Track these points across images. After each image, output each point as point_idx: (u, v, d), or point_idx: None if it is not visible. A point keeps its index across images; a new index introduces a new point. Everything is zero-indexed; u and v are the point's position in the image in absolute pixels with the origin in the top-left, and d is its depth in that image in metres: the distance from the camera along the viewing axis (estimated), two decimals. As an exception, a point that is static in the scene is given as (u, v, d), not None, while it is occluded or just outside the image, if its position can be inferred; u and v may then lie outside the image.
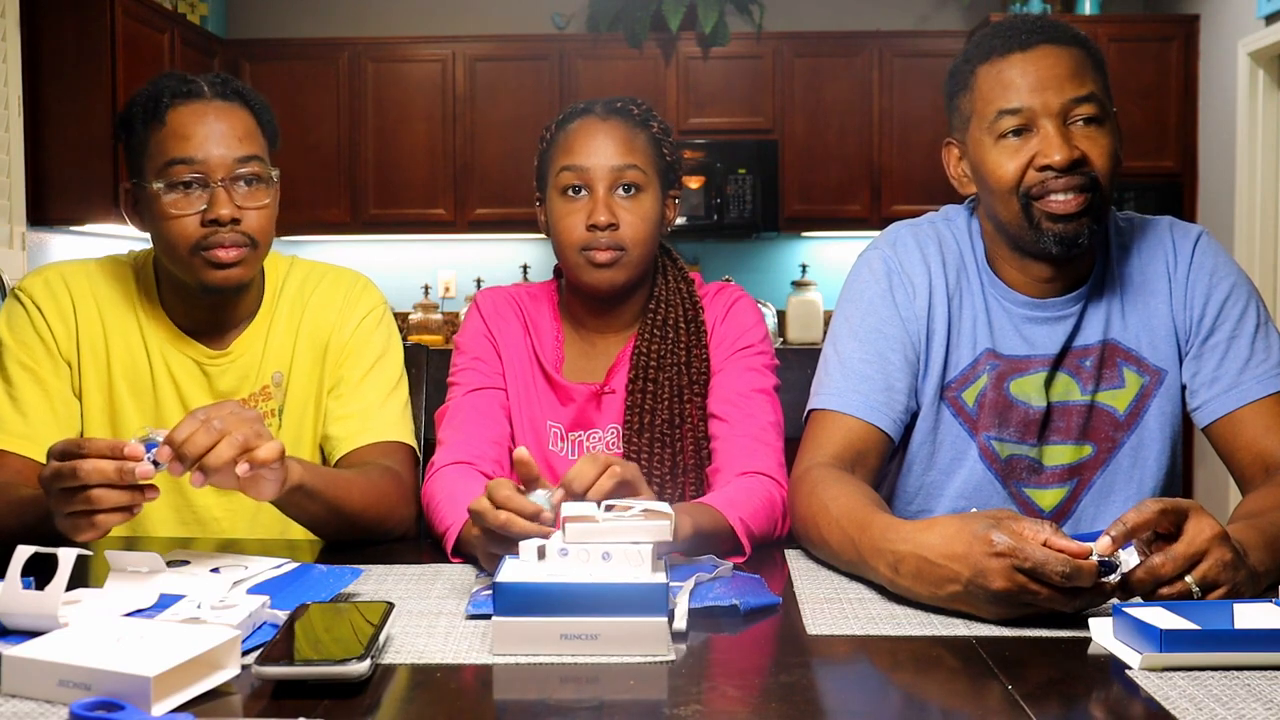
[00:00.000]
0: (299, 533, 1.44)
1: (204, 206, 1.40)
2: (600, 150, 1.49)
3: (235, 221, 1.41)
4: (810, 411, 1.44)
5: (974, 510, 1.11)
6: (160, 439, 1.12)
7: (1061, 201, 1.32)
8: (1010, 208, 1.35)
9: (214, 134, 1.41)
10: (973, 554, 1.01)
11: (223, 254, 1.41)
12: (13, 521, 1.28)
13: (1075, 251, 1.36)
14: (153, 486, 1.15)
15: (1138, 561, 1.02)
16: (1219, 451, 1.39)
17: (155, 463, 1.11)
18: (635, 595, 0.93)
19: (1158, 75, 4.80)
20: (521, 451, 1.14)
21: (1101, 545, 1.00)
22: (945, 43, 5.13)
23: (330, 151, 5.17)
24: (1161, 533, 1.03)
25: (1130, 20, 5.05)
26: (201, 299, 1.49)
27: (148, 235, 1.47)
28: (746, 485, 1.38)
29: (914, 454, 1.47)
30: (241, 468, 1.12)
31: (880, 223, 4.96)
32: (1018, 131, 1.33)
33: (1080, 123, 1.32)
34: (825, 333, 4.74)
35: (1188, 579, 1.01)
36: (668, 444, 1.50)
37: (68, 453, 1.12)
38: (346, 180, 5.21)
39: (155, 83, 1.45)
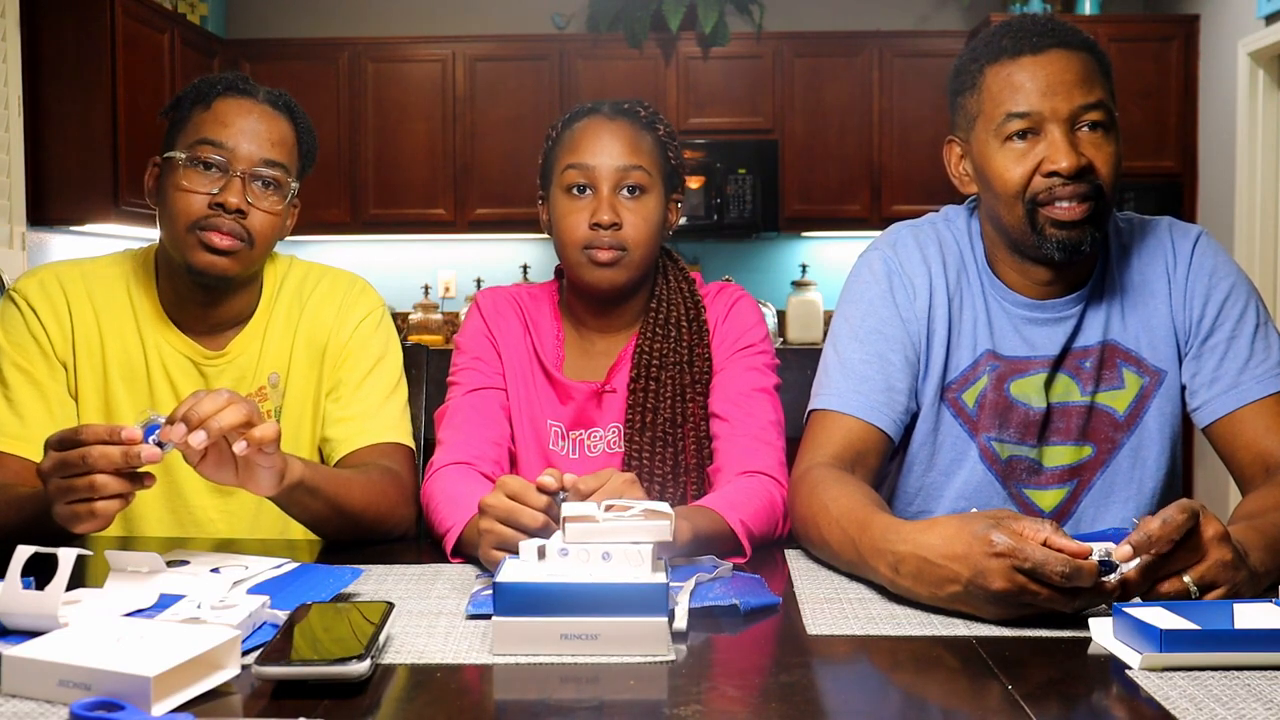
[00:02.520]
0: (299, 533, 1.44)
1: (216, 190, 1.42)
2: (606, 150, 1.49)
3: (241, 214, 1.42)
4: (811, 412, 1.44)
5: (974, 510, 1.11)
6: (161, 421, 1.12)
7: (1066, 209, 1.31)
8: (1014, 212, 1.35)
9: (250, 130, 1.45)
10: (972, 554, 1.01)
11: (217, 239, 1.42)
12: (12, 517, 1.29)
13: (1077, 258, 1.36)
14: (150, 474, 1.15)
15: (1137, 562, 1.02)
16: (1219, 452, 1.39)
17: (160, 444, 1.11)
18: (635, 595, 0.93)
19: (1158, 75, 4.80)
20: (547, 480, 1.15)
21: (1121, 552, 0.99)
22: (945, 43, 5.13)
23: (330, 151, 5.17)
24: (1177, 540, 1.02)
25: (1130, 20, 5.05)
26: (197, 294, 1.49)
27: (149, 237, 1.47)
28: (746, 486, 1.38)
29: (914, 455, 1.47)
30: (240, 445, 1.12)
31: (880, 223, 4.96)
32: (1023, 135, 1.33)
33: (1086, 128, 1.32)
34: (825, 333, 4.74)
35: (1185, 578, 1.01)
36: (669, 443, 1.50)
37: (67, 441, 1.12)
38: (346, 180, 5.21)
39: (217, 75, 1.50)
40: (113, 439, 1.10)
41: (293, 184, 1.49)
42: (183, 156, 1.43)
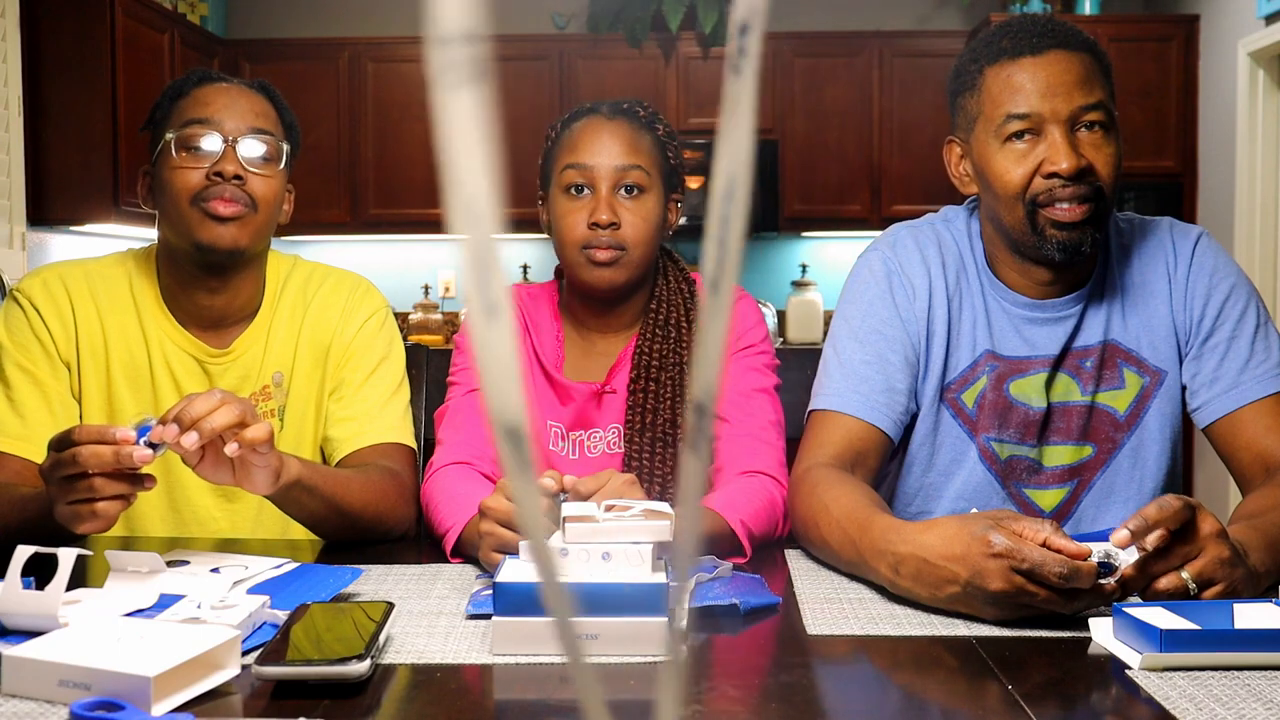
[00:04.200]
0: (299, 533, 1.44)
1: (211, 165, 1.43)
2: (605, 150, 1.49)
3: (240, 180, 1.44)
4: (811, 412, 1.44)
5: (974, 511, 1.11)
6: (155, 424, 1.12)
7: (1066, 210, 1.31)
8: (1015, 213, 1.35)
9: (232, 106, 1.47)
10: (971, 555, 1.01)
11: (221, 206, 1.42)
12: (14, 518, 1.29)
13: (1077, 259, 1.36)
14: (150, 476, 1.15)
15: (1134, 556, 1.02)
16: (1219, 452, 1.39)
17: (152, 445, 1.11)
18: (635, 595, 0.93)
19: (1158, 75, 4.80)
20: (547, 483, 1.14)
21: (1119, 537, 0.99)
22: (945, 43, 5.13)
23: (330, 151, 5.17)
24: (1173, 529, 1.03)
25: (1130, 20, 5.05)
26: (202, 281, 1.48)
27: (150, 237, 1.48)
28: (747, 486, 1.38)
29: (914, 455, 1.47)
30: (231, 447, 1.12)
31: (880, 223, 4.96)
32: (1023, 135, 1.32)
33: (1086, 129, 1.31)
34: (825, 333, 4.74)
35: (1184, 574, 1.01)
36: (669, 444, 1.50)
37: (64, 442, 1.12)
38: (346, 180, 5.21)
39: (187, 72, 1.53)
40: (104, 439, 1.10)
41: (284, 147, 1.50)
42: (172, 137, 1.44)
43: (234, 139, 1.44)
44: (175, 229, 1.47)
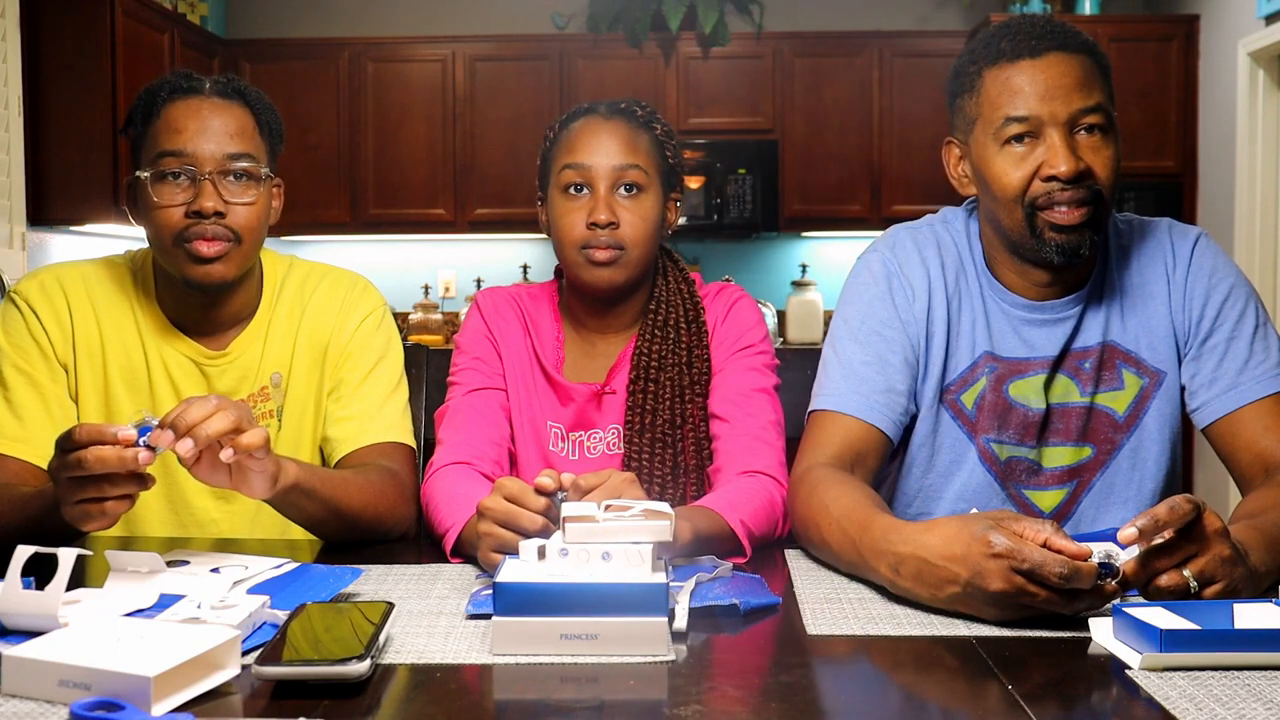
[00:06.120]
0: (299, 533, 1.44)
1: (190, 199, 1.41)
2: (603, 149, 1.49)
3: (220, 215, 1.41)
4: (810, 412, 1.44)
5: (975, 511, 1.11)
6: (155, 423, 1.12)
7: (1065, 213, 1.31)
8: (1014, 216, 1.35)
9: (206, 129, 1.42)
10: (971, 555, 1.01)
11: (204, 247, 1.41)
12: (15, 517, 1.29)
13: (1076, 261, 1.36)
14: (150, 475, 1.15)
15: (1136, 553, 1.02)
16: (1219, 452, 1.39)
17: (151, 448, 1.11)
18: (635, 595, 0.93)
19: (1158, 75, 4.80)
20: (545, 481, 1.14)
21: (1126, 534, 0.99)
22: (945, 43, 5.13)
23: (330, 151, 5.17)
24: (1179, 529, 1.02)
25: (1130, 20, 5.05)
26: (195, 296, 1.48)
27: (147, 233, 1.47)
28: (747, 486, 1.38)
29: (913, 456, 1.47)
30: (226, 453, 1.12)
31: (880, 223, 4.96)
32: (1022, 138, 1.32)
33: (1085, 132, 1.31)
34: (825, 333, 4.74)
35: (1185, 572, 1.01)
36: (669, 444, 1.50)
37: (68, 443, 1.13)
38: (346, 180, 5.21)
39: (160, 80, 1.47)
40: (104, 439, 1.11)
41: (264, 170, 1.46)
42: (147, 174, 1.41)
43: (210, 173, 1.40)
44: (163, 259, 1.46)
